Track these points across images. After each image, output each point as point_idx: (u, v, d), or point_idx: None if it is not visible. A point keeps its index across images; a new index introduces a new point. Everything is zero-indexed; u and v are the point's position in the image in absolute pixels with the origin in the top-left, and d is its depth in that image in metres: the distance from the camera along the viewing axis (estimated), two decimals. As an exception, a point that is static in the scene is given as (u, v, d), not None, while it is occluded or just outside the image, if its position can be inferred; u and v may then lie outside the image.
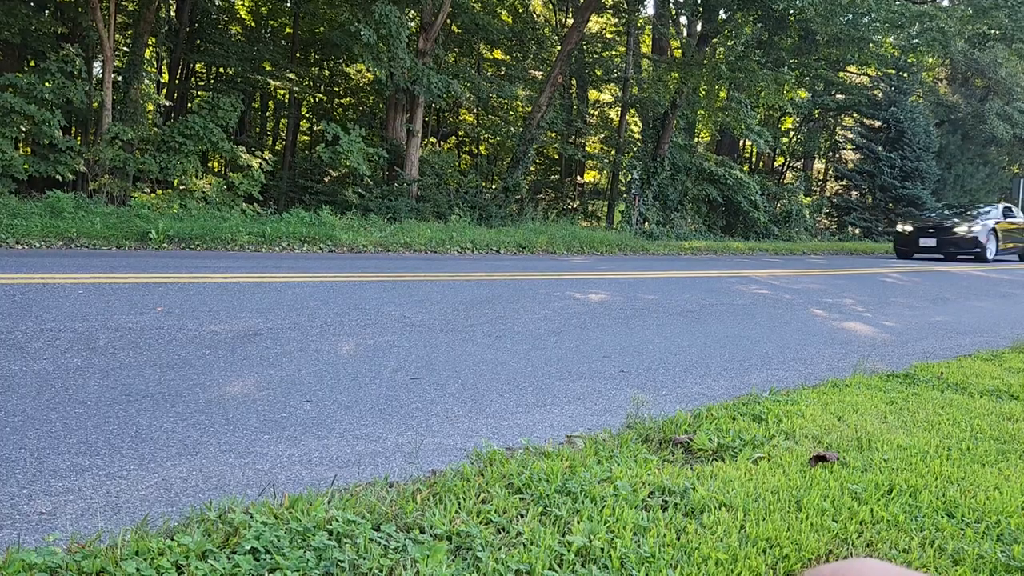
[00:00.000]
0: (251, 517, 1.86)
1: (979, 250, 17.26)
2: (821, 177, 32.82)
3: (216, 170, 19.41)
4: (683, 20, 24.95)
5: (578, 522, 1.98)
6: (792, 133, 30.34)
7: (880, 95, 27.48)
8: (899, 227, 18.51)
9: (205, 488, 2.25)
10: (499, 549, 1.82)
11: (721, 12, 19.10)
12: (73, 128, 16.70)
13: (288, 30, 21.51)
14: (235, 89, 17.57)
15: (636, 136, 24.32)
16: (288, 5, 20.72)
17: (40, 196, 10.89)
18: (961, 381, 4.07)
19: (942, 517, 2.18)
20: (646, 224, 18.68)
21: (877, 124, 27.76)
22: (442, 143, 23.61)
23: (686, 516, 2.09)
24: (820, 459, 2.60)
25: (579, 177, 26.71)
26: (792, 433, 2.91)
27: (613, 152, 23.25)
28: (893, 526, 2.10)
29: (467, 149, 26.02)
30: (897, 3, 17.08)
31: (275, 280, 6.68)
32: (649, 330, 5.50)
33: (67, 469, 2.32)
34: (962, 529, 2.11)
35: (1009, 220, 18.82)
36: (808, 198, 27.64)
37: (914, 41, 19.97)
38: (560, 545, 1.85)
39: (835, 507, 2.19)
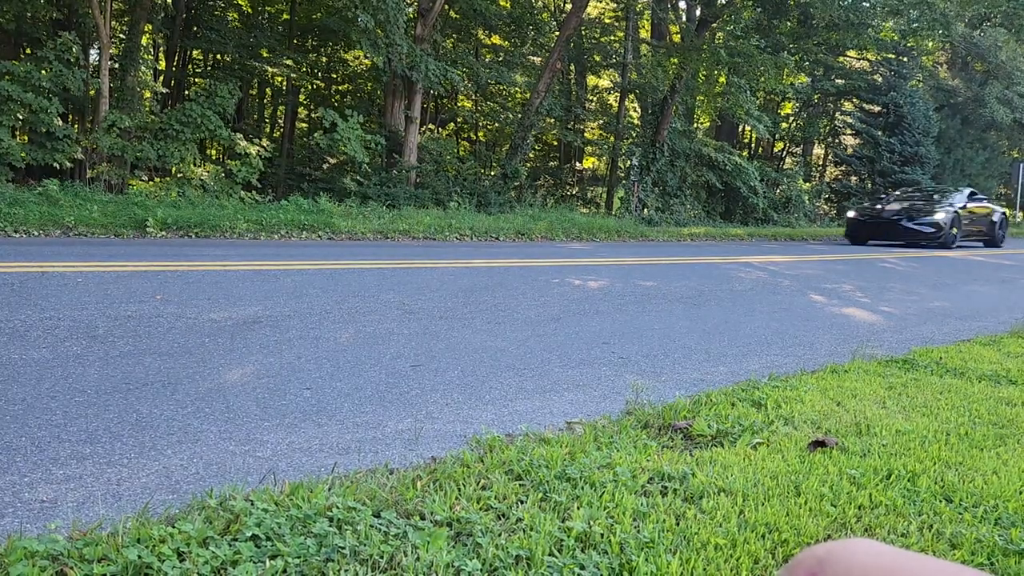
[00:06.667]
0: (252, 504, 1.86)
1: (941, 236, 16.00)
2: (820, 162, 32.74)
3: (214, 157, 19.34)
4: (682, 5, 24.84)
5: (578, 508, 1.99)
6: (791, 118, 30.23)
7: (880, 80, 27.38)
8: (850, 214, 17.85)
9: (206, 475, 2.25)
10: (499, 535, 1.82)
11: (720, -4, 18.99)
12: (70, 116, 16.63)
13: (285, 16, 21.36)
14: (232, 76, 17.47)
15: (635, 122, 24.23)
16: (285, -9, 20.59)
17: (38, 184, 10.85)
18: (960, 366, 4.07)
19: (940, 502, 2.19)
20: (645, 210, 18.65)
21: (877, 109, 27.66)
22: (440, 129, 23.52)
23: (685, 502, 2.10)
24: (819, 444, 2.60)
25: (578, 163, 26.63)
26: (791, 419, 2.92)
27: (612, 138, 23.18)
28: (891, 511, 2.11)
29: (466, 135, 25.93)
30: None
31: (274, 268, 6.67)
32: (648, 316, 5.50)
33: (68, 457, 2.32)
34: (960, 513, 2.12)
35: (975, 204, 17.73)
36: (807, 184, 27.58)
37: (914, 25, 19.88)
38: (560, 531, 1.85)
39: (834, 492, 2.20)
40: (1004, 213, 18.54)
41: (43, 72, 12.21)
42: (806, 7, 18.19)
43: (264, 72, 19.57)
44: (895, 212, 16.68)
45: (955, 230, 16.21)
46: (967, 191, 18.08)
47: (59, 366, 3.27)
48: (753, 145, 30.60)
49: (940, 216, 16.17)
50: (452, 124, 24.94)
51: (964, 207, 17.07)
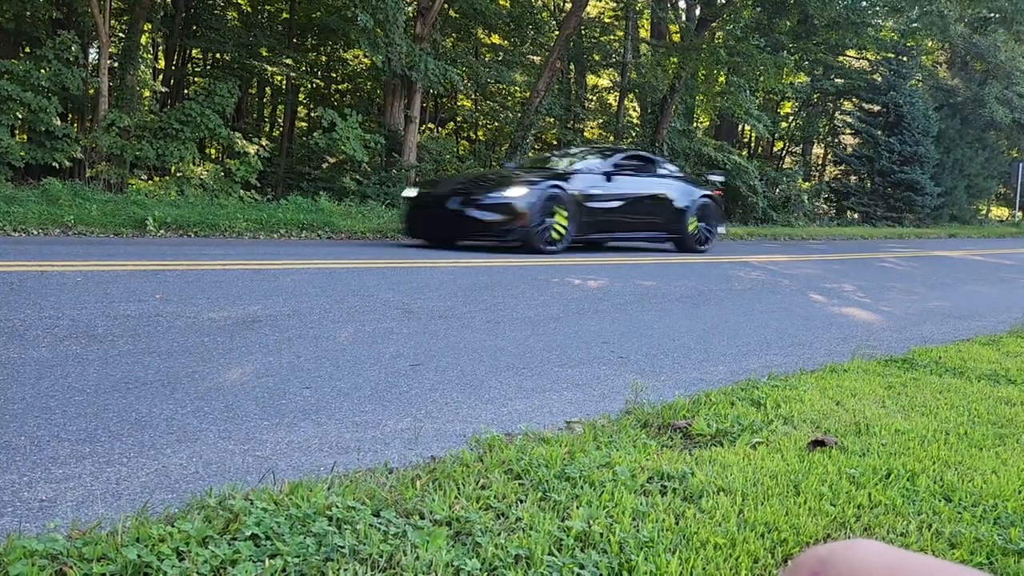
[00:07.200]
0: (251, 503, 1.86)
1: (515, 228, 9.15)
2: (820, 162, 32.77)
3: (213, 157, 19.32)
4: (682, 4, 24.84)
5: (577, 507, 1.98)
6: (791, 118, 30.25)
7: (879, 79, 27.41)
8: (409, 192, 10.42)
9: (205, 475, 2.25)
10: (498, 534, 1.82)
11: (720, -4, 19.01)
12: (69, 115, 16.62)
13: (285, 15, 21.36)
14: (232, 75, 17.46)
15: (635, 121, 24.24)
16: (285, -10, 20.60)
17: (37, 183, 10.85)
18: (959, 365, 4.07)
19: (939, 501, 2.19)
20: (644, 210, 18.60)
21: (876, 108, 27.68)
22: (440, 129, 23.52)
23: (685, 501, 2.10)
24: (818, 444, 2.60)
25: (578, 163, 26.58)
26: (790, 418, 2.92)
27: (612, 137, 23.18)
28: (891, 510, 2.11)
29: (465, 135, 25.91)
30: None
31: (273, 267, 6.67)
32: (648, 316, 5.50)
33: (67, 456, 2.32)
34: (959, 513, 2.12)
35: (643, 178, 11.00)
36: (807, 183, 27.60)
37: (913, 25, 19.90)
38: (559, 530, 1.85)
39: (833, 491, 2.20)
40: (708, 196, 11.59)
41: (42, 71, 12.20)
42: (806, 7, 18.19)
43: (263, 71, 19.57)
44: (452, 190, 9.87)
45: (562, 219, 9.46)
46: (625, 153, 11.52)
47: (58, 365, 3.27)
48: (753, 144, 30.61)
49: (516, 194, 9.24)
50: (452, 123, 24.93)
51: (607, 178, 10.25)
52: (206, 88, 14.33)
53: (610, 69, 25.38)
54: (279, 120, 24.66)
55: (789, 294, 7.23)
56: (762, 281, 8.18)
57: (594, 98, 27.10)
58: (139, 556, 1.58)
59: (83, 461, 2.30)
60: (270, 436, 2.61)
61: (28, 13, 14.71)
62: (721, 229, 12.36)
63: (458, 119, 24.88)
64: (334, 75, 23.81)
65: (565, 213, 9.55)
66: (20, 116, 11.91)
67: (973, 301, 7.55)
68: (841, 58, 27.15)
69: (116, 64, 14.57)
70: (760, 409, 3.01)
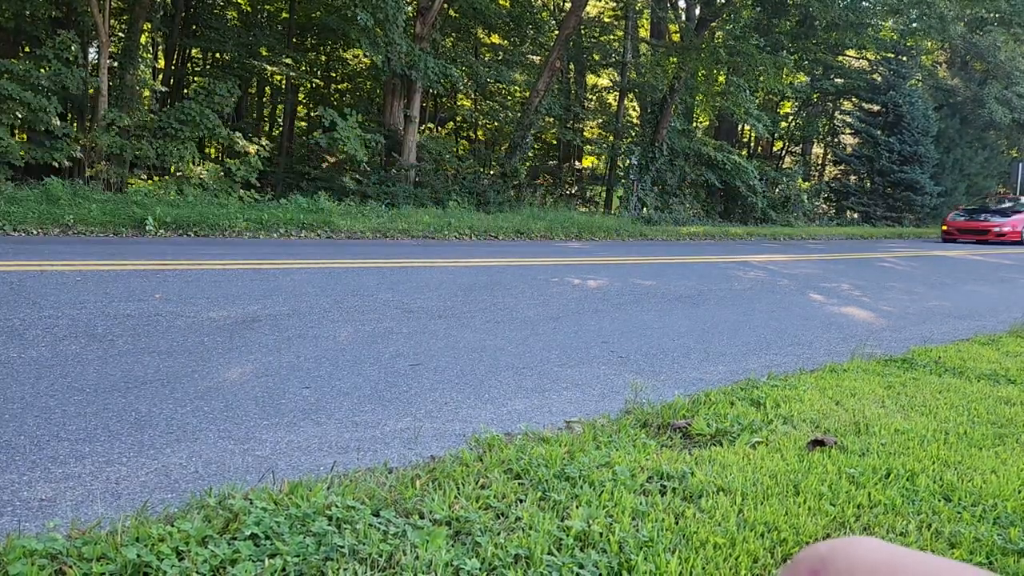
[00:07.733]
0: (251, 503, 1.86)
1: None
2: (820, 162, 32.75)
3: (213, 156, 19.31)
4: (682, 4, 24.83)
5: (577, 507, 1.98)
6: (791, 117, 30.22)
7: (879, 79, 27.39)
8: None
9: (205, 474, 2.25)
10: (498, 534, 1.82)
11: (720, -5, 19.00)
12: (69, 115, 16.60)
13: (284, 15, 21.35)
14: (232, 75, 17.44)
15: (634, 121, 24.23)
16: (284, -11, 20.58)
17: (36, 183, 10.84)
18: (959, 365, 4.07)
19: (939, 501, 2.19)
20: (644, 209, 18.65)
21: (876, 108, 27.66)
22: (440, 128, 23.50)
23: (684, 500, 2.10)
24: (818, 443, 2.60)
25: (577, 162, 26.62)
26: (790, 418, 2.92)
27: (611, 137, 23.17)
28: (890, 510, 2.11)
29: (465, 134, 25.90)
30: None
31: (273, 267, 6.67)
32: (647, 316, 5.50)
33: (67, 456, 2.32)
34: (959, 512, 2.12)
35: None
36: (806, 183, 27.57)
37: (913, 25, 19.91)
38: (559, 530, 1.85)
39: (833, 491, 2.20)
40: None
41: (42, 70, 12.19)
42: (806, 7, 18.19)
43: (263, 71, 19.56)
44: None
45: None
46: None
47: (58, 365, 3.27)
48: (752, 144, 30.60)
49: None
50: (451, 123, 24.92)
51: None
52: (206, 88, 14.31)
53: (610, 69, 25.37)
54: (279, 120, 24.65)
55: (789, 294, 7.23)
56: (762, 281, 8.18)
57: (594, 98, 27.09)
58: (139, 556, 1.58)
59: (83, 460, 2.29)
60: (270, 435, 2.61)
61: (28, 12, 14.69)
62: None
63: (458, 119, 24.86)
64: (334, 75, 23.80)
65: None
66: (20, 115, 11.90)
67: (973, 301, 7.55)
68: (841, 58, 27.13)
69: (116, 63, 14.54)
70: (760, 409, 3.01)
